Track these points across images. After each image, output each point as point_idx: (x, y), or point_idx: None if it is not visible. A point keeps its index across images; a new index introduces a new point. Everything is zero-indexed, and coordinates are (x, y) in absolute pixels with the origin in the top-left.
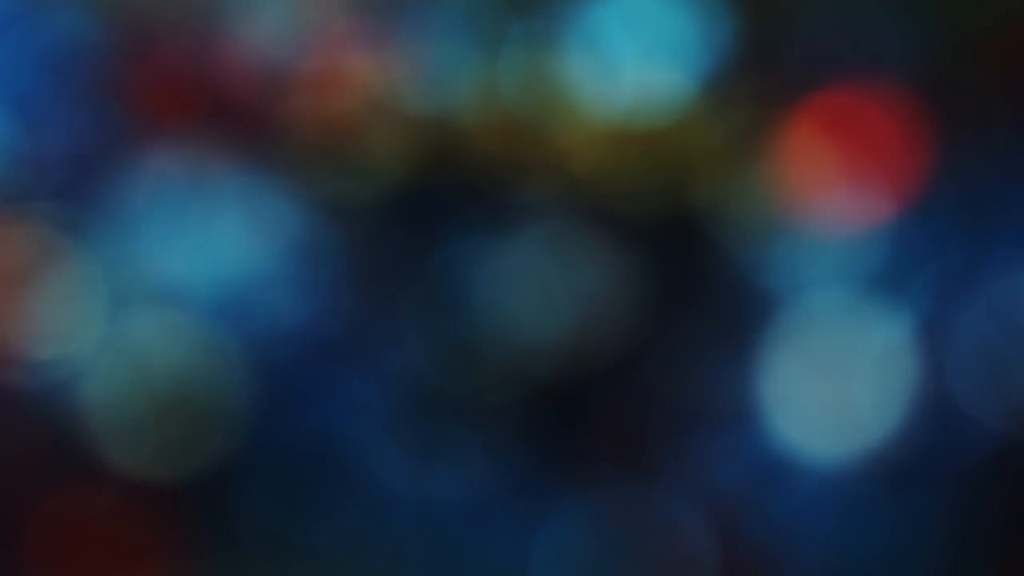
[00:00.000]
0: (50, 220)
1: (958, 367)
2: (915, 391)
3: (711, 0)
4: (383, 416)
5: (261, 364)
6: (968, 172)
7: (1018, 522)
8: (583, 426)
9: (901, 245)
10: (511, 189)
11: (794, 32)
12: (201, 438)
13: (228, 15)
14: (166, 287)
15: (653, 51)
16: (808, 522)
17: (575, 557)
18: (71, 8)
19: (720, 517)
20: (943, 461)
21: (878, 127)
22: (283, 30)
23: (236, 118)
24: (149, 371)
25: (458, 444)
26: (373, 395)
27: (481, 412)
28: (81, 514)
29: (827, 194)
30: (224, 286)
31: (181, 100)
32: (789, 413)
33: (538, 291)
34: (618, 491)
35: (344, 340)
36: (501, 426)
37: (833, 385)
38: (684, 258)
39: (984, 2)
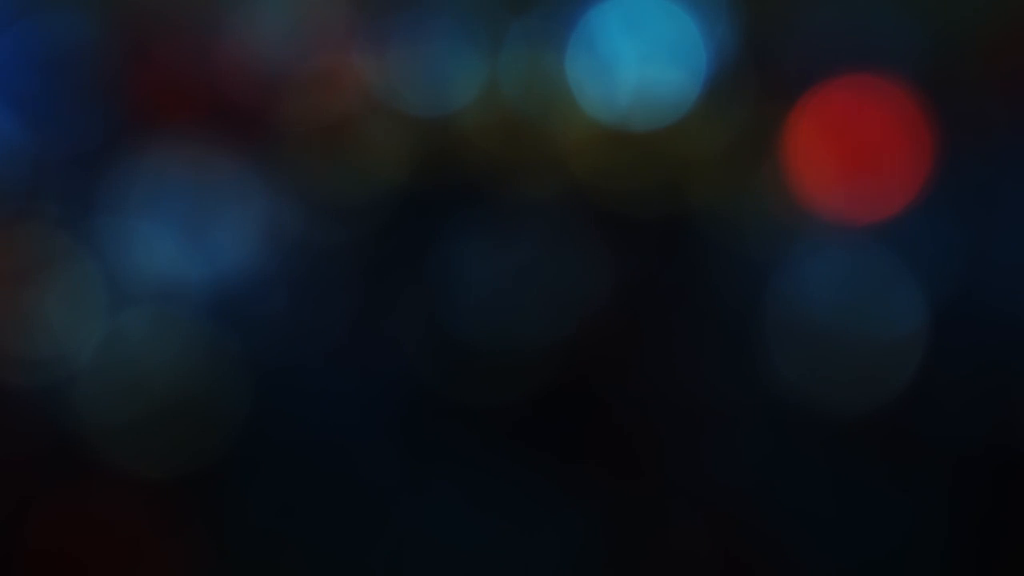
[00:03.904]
0: (50, 220)
1: (958, 367)
2: (915, 390)
3: (711, 0)
4: (383, 416)
5: (261, 364)
6: (968, 172)
7: (1018, 522)
8: (582, 425)
9: (901, 245)
10: (511, 189)
11: (794, 32)
12: (200, 437)
13: (228, 15)
14: (166, 287)
15: (653, 51)
16: (809, 521)
17: (575, 557)
18: (71, 8)
19: (720, 517)
20: (943, 460)
21: (878, 127)
22: (283, 30)
23: (236, 118)
24: (149, 371)
25: (458, 444)
26: (373, 395)
27: (481, 412)
28: (81, 514)
29: (827, 194)
30: (224, 286)
31: (181, 100)
32: (789, 412)
33: (537, 291)
34: (618, 491)
35: (344, 340)
36: (501, 426)
37: (833, 384)
38: (684, 258)
39: (984, 2)
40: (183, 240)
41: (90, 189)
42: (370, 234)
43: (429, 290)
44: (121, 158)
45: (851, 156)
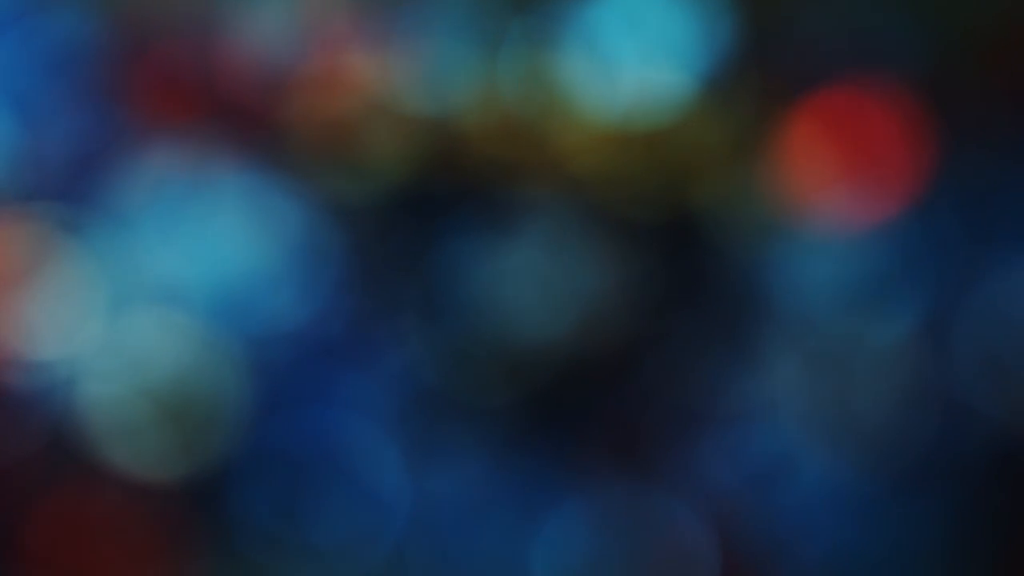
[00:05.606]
0: (50, 220)
1: (958, 367)
2: (915, 391)
3: (711, 0)
4: (383, 416)
5: (261, 364)
6: (968, 172)
7: (1018, 522)
8: (583, 426)
9: (901, 245)
10: (511, 189)
11: (794, 32)
12: (201, 438)
13: (228, 15)
14: (166, 287)
15: (653, 51)
16: (808, 522)
17: (575, 557)
18: (71, 8)
19: (720, 517)
20: (943, 461)
21: (878, 127)
22: (283, 30)
23: (236, 118)
24: (149, 371)
25: (458, 444)
26: (373, 395)
27: (481, 412)
28: (81, 514)
29: (827, 194)
30: (224, 286)
31: (181, 100)
32: (789, 413)
33: (538, 291)
34: (618, 491)
35: (344, 340)
36: (501, 426)
37: (833, 385)
38: (684, 258)
39: (984, 2)
40: (183, 240)
41: (90, 189)
42: (371, 234)
43: (429, 290)
44: (121, 158)
45: (851, 156)
